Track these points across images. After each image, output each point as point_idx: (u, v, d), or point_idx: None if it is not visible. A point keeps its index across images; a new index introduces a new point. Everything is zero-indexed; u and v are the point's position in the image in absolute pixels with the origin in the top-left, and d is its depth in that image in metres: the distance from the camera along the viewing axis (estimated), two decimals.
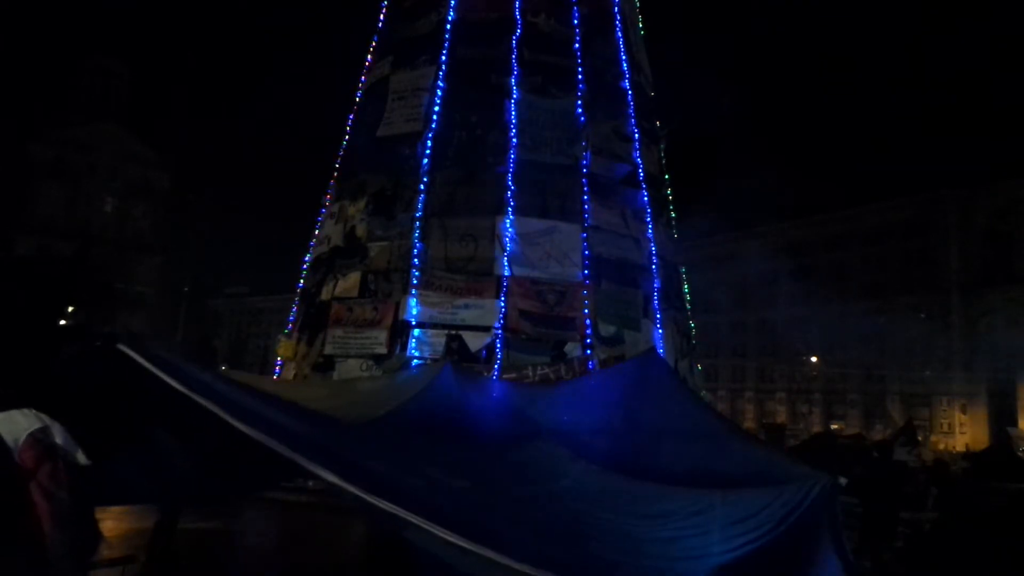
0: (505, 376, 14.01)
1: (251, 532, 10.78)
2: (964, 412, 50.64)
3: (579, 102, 17.04)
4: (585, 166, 16.66)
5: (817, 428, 50.26)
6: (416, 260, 15.62)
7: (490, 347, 14.87)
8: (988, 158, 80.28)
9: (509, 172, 16.03)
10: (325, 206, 18.61)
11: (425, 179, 16.23)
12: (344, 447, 4.97)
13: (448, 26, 17.50)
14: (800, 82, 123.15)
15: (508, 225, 15.66)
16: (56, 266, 38.28)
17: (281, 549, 10.53)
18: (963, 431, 49.66)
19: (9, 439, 4.13)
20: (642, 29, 20.60)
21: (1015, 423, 43.34)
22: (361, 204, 16.93)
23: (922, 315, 52.57)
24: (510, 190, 15.89)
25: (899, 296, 53.55)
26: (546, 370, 14.53)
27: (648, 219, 17.54)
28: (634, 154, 17.82)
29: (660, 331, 16.68)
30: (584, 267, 15.82)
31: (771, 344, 62.26)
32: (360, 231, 16.67)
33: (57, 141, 71.14)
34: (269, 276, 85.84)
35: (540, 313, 15.30)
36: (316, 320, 16.56)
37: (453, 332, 14.97)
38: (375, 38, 19.91)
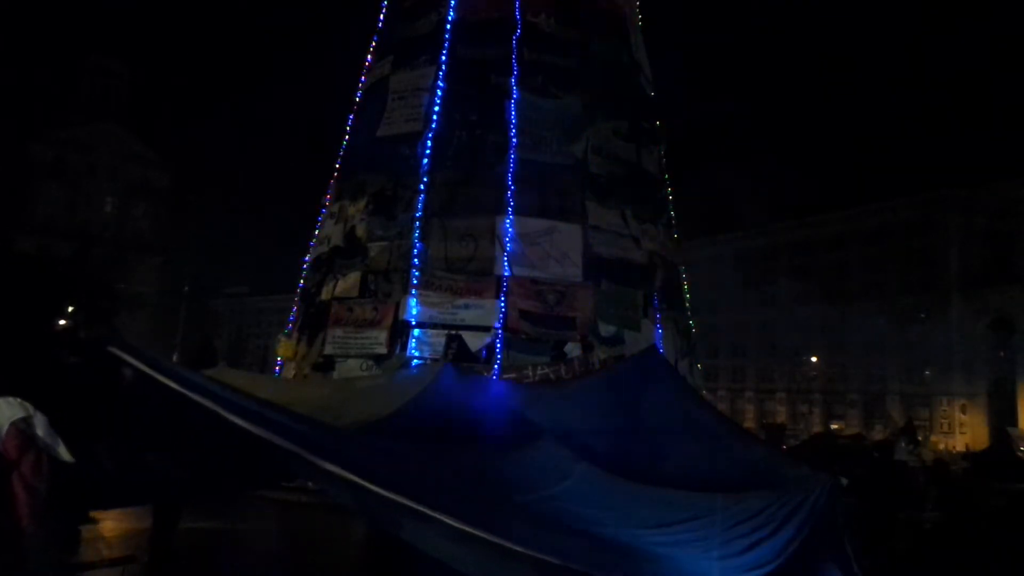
0: (505, 376, 14.01)
1: (251, 532, 10.78)
2: (964, 412, 50.65)
3: (579, 102, 17.03)
4: (585, 166, 16.66)
5: (817, 428, 50.23)
6: (416, 260, 15.61)
7: (490, 347, 14.87)
8: (988, 158, 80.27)
9: (509, 172, 16.02)
10: (325, 206, 18.61)
11: (425, 179, 16.22)
12: (342, 446, 4.97)
13: (448, 26, 17.49)
14: (800, 82, 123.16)
15: (508, 225, 15.65)
16: (56, 266, 38.27)
17: (281, 549, 10.53)
18: (963, 431, 49.67)
19: None
20: (642, 29, 20.59)
21: (1015, 423, 43.32)
22: (361, 204, 16.93)
23: (922, 315, 52.58)
24: (510, 190, 15.88)
25: (899, 296, 53.56)
26: (546, 370, 14.53)
27: (648, 219, 17.53)
28: (634, 154, 17.81)
29: (660, 331, 16.67)
30: (584, 267, 15.82)
31: (771, 344, 62.26)
32: (360, 231, 16.67)
33: (57, 141, 71.16)
34: (269, 276, 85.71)
35: (540, 313, 15.30)
36: (316, 320, 16.56)
37: (453, 332, 14.96)
38: (375, 38, 19.89)
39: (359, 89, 19.54)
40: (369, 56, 19.74)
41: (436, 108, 16.75)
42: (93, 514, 7.82)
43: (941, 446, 43.56)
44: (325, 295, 16.61)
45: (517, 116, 16.48)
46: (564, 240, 15.93)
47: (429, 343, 15.03)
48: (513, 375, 14.08)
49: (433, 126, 16.60)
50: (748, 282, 63.00)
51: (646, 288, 16.84)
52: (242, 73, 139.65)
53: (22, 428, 4.12)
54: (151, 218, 76.34)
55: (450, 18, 17.60)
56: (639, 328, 16.18)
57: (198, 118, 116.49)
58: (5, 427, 4.12)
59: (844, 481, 5.18)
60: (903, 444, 18.26)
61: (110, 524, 8.95)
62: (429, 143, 16.47)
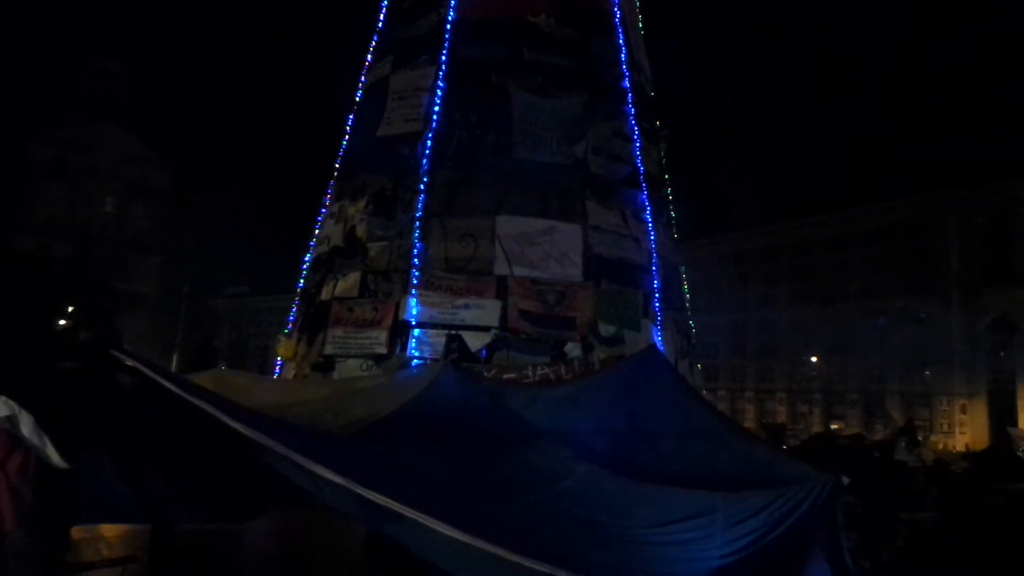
0: (505, 376, 13.99)
1: (251, 532, 10.77)
2: (964, 412, 50.66)
3: (579, 102, 17.03)
4: (585, 166, 16.65)
5: (817, 428, 50.27)
6: (416, 260, 15.60)
7: (490, 347, 14.87)
8: (988, 158, 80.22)
9: (509, 172, 16.02)
10: (325, 206, 18.61)
11: (425, 179, 16.22)
12: (339, 451, 4.97)
13: (448, 26, 17.48)
14: (800, 82, 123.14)
15: (508, 225, 15.65)
16: (56, 266, 38.27)
17: (281, 549, 10.52)
18: (963, 431, 49.69)
19: None
20: (642, 29, 20.59)
21: (1015, 423, 43.34)
22: (361, 204, 16.92)
23: (922, 315, 52.57)
24: (510, 190, 15.88)
25: (899, 296, 53.55)
26: (546, 370, 14.51)
27: (648, 219, 17.52)
28: (634, 154, 17.81)
29: (660, 331, 16.67)
30: (584, 267, 15.81)
31: (771, 344, 62.28)
32: (360, 231, 16.67)
33: (57, 141, 71.11)
34: (269, 276, 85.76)
35: (540, 313, 15.29)
36: (316, 320, 16.55)
37: (453, 332, 14.96)
38: (375, 38, 19.88)
39: (359, 89, 19.54)
40: (369, 56, 19.74)
41: (436, 108, 16.74)
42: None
43: (941, 446, 43.59)
44: (325, 295, 16.60)
45: (517, 116, 16.48)
46: (564, 240, 15.92)
47: (429, 343, 15.02)
48: (513, 375, 14.07)
49: (433, 126, 16.59)
50: (748, 282, 63.03)
51: (646, 288, 16.84)
52: (242, 73, 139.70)
53: (6, 427, 3.95)
54: (151, 218, 76.31)
55: (450, 18, 17.59)
56: (639, 328, 16.17)
57: (198, 118, 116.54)
58: None
59: (845, 480, 5.17)
60: (903, 444, 18.28)
61: (110, 524, 8.94)
62: (429, 143, 16.46)
